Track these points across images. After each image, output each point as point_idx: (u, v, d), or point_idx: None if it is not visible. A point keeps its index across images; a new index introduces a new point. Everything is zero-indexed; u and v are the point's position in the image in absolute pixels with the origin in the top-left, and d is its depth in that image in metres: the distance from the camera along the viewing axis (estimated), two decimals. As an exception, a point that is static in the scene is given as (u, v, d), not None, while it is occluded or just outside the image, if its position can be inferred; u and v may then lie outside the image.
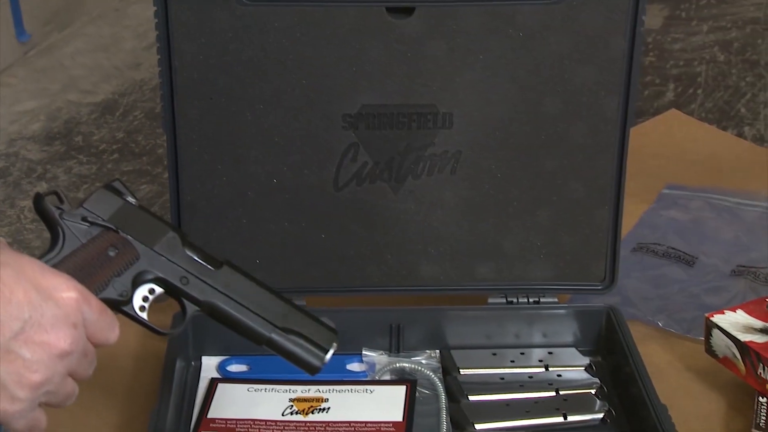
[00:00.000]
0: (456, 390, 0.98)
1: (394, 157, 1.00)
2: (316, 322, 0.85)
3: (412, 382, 0.98)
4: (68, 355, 0.71)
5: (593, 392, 0.97)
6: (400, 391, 0.97)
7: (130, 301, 0.80)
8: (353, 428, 0.93)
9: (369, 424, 0.93)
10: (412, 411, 0.94)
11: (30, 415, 0.72)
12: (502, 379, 0.99)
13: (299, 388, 0.97)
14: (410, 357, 1.02)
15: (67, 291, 0.72)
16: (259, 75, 0.96)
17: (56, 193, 0.79)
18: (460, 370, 1.00)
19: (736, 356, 0.97)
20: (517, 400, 0.97)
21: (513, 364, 1.01)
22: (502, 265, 1.03)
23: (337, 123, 0.98)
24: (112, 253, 0.79)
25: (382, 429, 0.92)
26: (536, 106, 0.99)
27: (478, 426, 0.94)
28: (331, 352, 0.85)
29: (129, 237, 0.80)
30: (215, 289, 0.82)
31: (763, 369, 0.94)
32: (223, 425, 0.93)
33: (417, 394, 0.97)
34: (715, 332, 0.98)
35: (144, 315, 0.81)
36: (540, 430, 0.94)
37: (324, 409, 0.95)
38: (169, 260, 0.81)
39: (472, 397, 0.97)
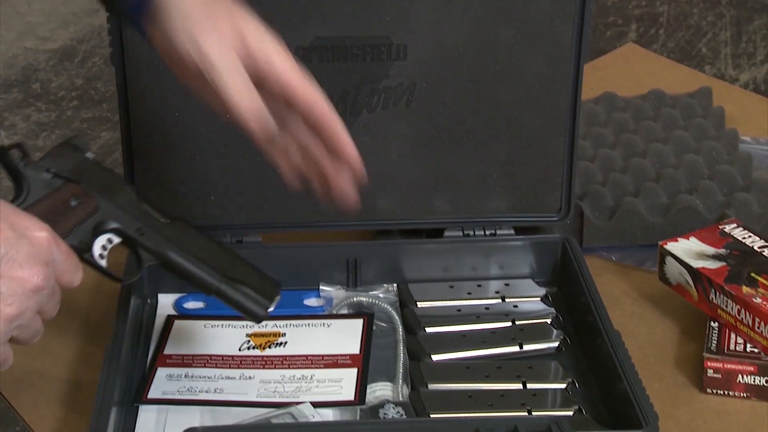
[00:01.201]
0: (413, 322, 0.98)
1: (349, 90, 0.99)
2: (261, 275, 0.88)
3: (369, 315, 0.98)
4: (40, 290, 0.75)
5: (549, 322, 0.98)
6: (357, 324, 0.97)
7: (90, 249, 0.85)
8: (310, 361, 0.93)
9: (326, 357, 0.93)
10: (369, 343, 0.95)
11: (0, 349, 0.76)
12: (459, 311, 1.00)
13: (254, 326, 0.97)
14: (367, 291, 1.02)
15: (39, 231, 0.76)
16: (208, 6, 0.95)
17: (20, 146, 0.83)
18: (418, 303, 1.00)
19: (688, 283, 0.98)
20: (473, 331, 0.97)
21: (470, 296, 1.01)
22: (459, 198, 1.03)
23: (290, 55, 0.97)
24: (74, 204, 0.84)
25: (339, 361, 0.92)
26: (491, 37, 0.98)
27: (434, 357, 0.94)
28: (275, 302, 0.88)
29: (89, 189, 0.84)
30: (169, 240, 0.86)
31: (715, 294, 0.95)
32: (180, 360, 0.93)
33: (375, 327, 0.97)
34: (669, 260, 0.99)
35: (103, 262, 0.85)
36: (496, 360, 0.94)
37: (281, 343, 0.95)
38: (127, 212, 0.85)
39: (429, 329, 0.97)
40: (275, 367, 0.92)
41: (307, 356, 0.94)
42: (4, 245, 0.73)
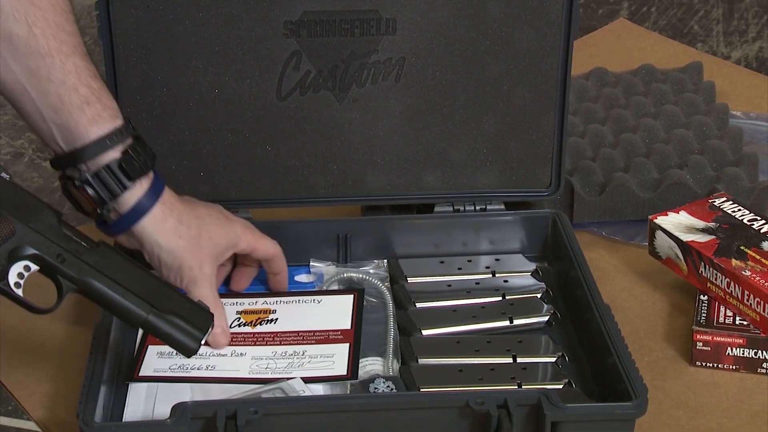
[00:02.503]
0: (404, 298, 0.98)
1: (338, 65, 0.99)
2: (192, 305, 0.85)
3: (359, 291, 0.98)
4: None
5: (539, 296, 0.98)
6: (348, 300, 0.97)
7: (4, 277, 0.79)
8: (302, 337, 0.93)
9: (318, 333, 0.93)
10: (360, 318, 0.95)
11: None
12: (450, 286, 1.00)
13: (246, 300, 0.97)
14: (358, 267, 1.02)
15: None
16: (196, -19, 0.95)
17: None
18: (408, 279, 1.00)
19: (678, 257, 0.98)
20: (463, 306, 0.97)
21: (460, 271, 1.01)
22: (449, 173, 1.03)
23: (278, 30, 0.97)
24: None
25: (330, 337, 0.92)
26: (480, 11, 0.98)
27: (425, 331, 0.94)
28: (207, 334, 0.85)
29: (4, 212, 0.78)
30: (92, 267, 0.80)
31: (705, 268, 0.95)
32: None
33: (365, 303, 0.97)
34: (659, 234, 0.99)
35: (19, 291, 0.80)
36: (486, 334, 0.94)
37: (272, 320, 0.95)
38: (45, 237, 0.79)
39: (419, 304, 0.97)
40: (267, 344, 0.92)
41: (298, 332, 0.93)
42: None
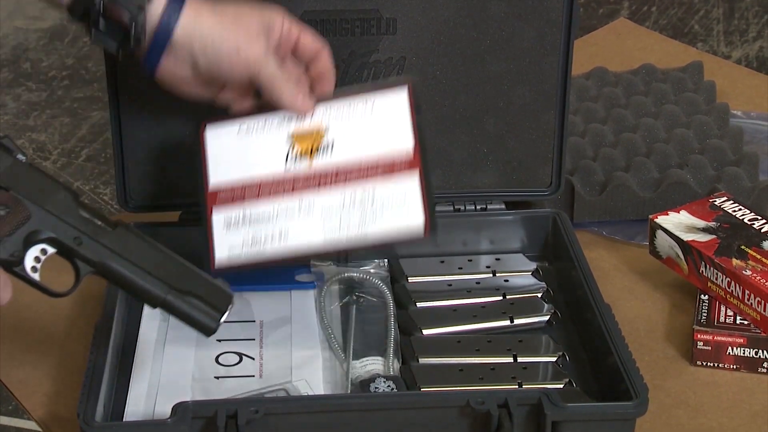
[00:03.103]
0: (404, 297, 0.98)
1: (338, 64, 0.99)
2: (211, 284, 0.83)
3: (412, 83, 0.89)
4: None
5: (539, 296, 0.98)
6: (401, 100, 0.88)
7: (21, 261, 0.78)
8: (366, 170, 0.86)
9: (381, 159, 0.86)
10: (421, 123, 0.87)
11: None
12: (450, 285, 1.00)
13: (294, 117, 0.88)
14: (359, 267, 1.02)
15: None
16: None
17: None
18: (409, 278, 1.00)
19: (679, 256, 0.98)
20: (464, 306, 0.97)
21: (461, 270, 1.02)
22: (449, 172, 1.03)
23: (279, 30, 0.97)
24: (2, 212, 0.77)
25: (396, 164, 0.85)
26: (480, 10, 0.98)
27: (425, 331, 0.94)
28: (226, 314, 0.83)
29: (20, 196, 0.77)
30: (109, 249, 0.80)
31: (705, 267, 0.95)
32: (230, 194, 0.87)
33: (365, 302, 0.97)
34: (659, 233, 0.99)
35: (36, 276, 0.79)
36: (487, 334, 0.94)
37: (328, 146, 0.87)
38: (62, 220, 0.79)
39: (420, 304, 0.98)
40: (331, 184, 0.86)
41: (360, 164, 0.86)
42: None
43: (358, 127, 0.88)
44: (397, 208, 0.83)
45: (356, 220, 0.84)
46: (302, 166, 0.87)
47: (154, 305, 0.82)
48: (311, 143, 0.88)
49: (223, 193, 0.88)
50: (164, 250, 0.82)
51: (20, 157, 0.78)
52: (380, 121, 0.88)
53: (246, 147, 0.89)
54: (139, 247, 0.81)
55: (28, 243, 0.78)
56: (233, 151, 0.89)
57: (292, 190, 0.86)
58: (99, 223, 0.80)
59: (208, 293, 0.82)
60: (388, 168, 0.85)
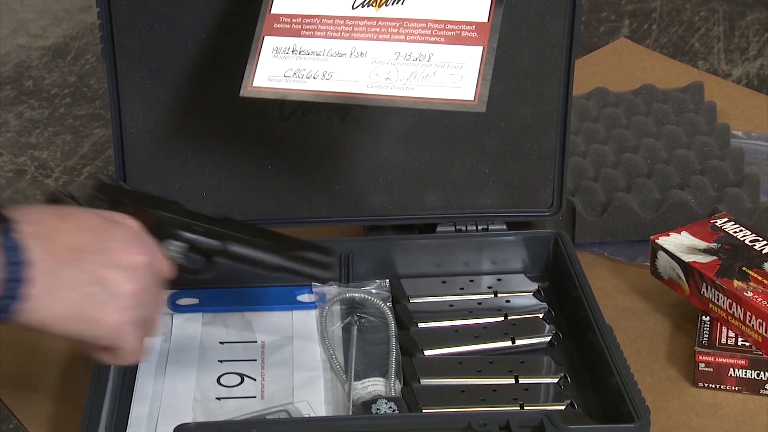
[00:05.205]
0: (406, 318, 0.98)
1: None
2: (311, 243, 0.93)
3: None
4: (148, 266, 0.77)
5: (541, 316, 0.98)
6: None
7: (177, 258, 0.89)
8: (430, 30, 0.83)
9: (449, 25, 0.83)
10: (497, 13, 0.83)
11: (136, 334, 0.76)
12: (452, 306, 1.00)
13: None
14: (360, 287, 1.02)
15: (127, 219, 0.79)
16: (200, 1, 0.95)
17: (69, 194, 0.86)
18: (410, 299, 1.01)
19: (680, 277, 0.98)
20: (466, 326, 0.97)
21: (462, 291, 1.02)
22: (451, 193, 1.03)
23: (281, 51, 0.97)
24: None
25: (463, 33, 0.83)
26: (482, 32, 0.98)
27: (427, 352, 0.94)
28: (333, 260, 0.93)
29: (146, 207, 0.88)
30: (228, 234, 0.90)
31: (707, 288, 0.95)
32: (288, 25, 0.85)
33: (367, 323, 0.98)
34: (660, 254, 0.99)
35: (176, 261, 0.88)
36: (489, 354, 0.94)
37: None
38: (185, 220, 0.89)
39: (421, 324, 0.98)
40: (390, 38, 0.84)
41: (427, 23, 0.83)
42: (104, 233, 0.75)
43: None
44: (451, 76, 0.80)
45: (405, 75, 0.81)
46: (367, 13, 0.84)
47: (273, 271, 0.91)
48: None
49: (281, 20, 0.86)
50: (264, 228, 0.93)
51: (123, 184, 0.91)
52: None
53: None
54: (247, 228, 0.91)
55: (166, 239, 0.87)
56: None
57: (351, 33, 0.84)
58: (210, 217, 0.90)
59: (313, 249, 0.92)
60: (454, 36, 0.82)
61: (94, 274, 0.73)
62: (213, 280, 0.98)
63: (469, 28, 0.83)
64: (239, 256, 0.91)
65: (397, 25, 0.84)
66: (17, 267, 0.69)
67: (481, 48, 0.82)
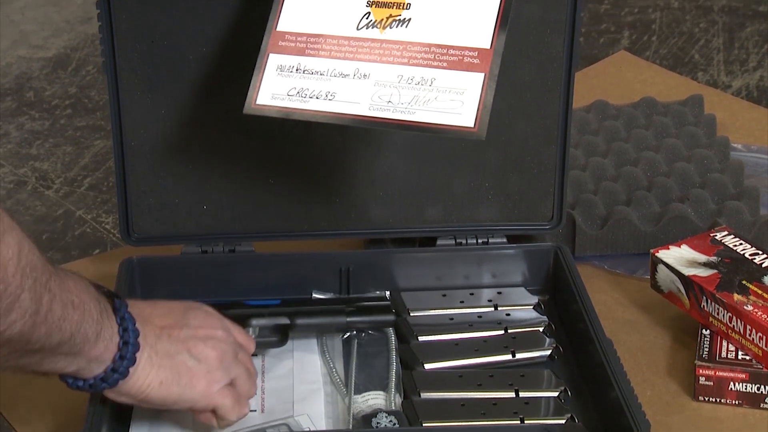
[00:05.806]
0: (406, 331, 0.98)
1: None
2: (365, 297, 1.00)
3: None
4: (226, 335, 0.86)
5: (541, 330, 0.98)
6: (493, 2, 0.84)
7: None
8: (433, 55, 0.83)
9: (452, 50, 0.83)
10: (505, 25, 0.83)
11: (229, 394, 0.84)
12: (452, 319, 1.00)
13: None
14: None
15: (204, 305, 0.89)
16: (201, 15, 0.95)
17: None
18: (410, 312, 1.01)
19: (680, 290, 0.98)
20: (466, 340, 0.97)
21: (462, 304, 1.02)
22: (451, 206, 1.03)
23: (282, 64, 0.97)
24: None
25: (465, 59, 0.83)
26: (482, 46, 0.98)
27: (427, 365, 0.94)
28: (389, 303, 0.99)
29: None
30: (294, 311, 0.97)
31: (707, 302, 0.95)
32: (293, 42, 0.86)
33: (366, 336, 0.98)
34: (660, 267, 0.99)
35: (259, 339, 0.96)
36: (489, 368, 0.94)
37: (405, 20, 0.85)
38: (258, 307, 0.97)
39: (421, 338, 0.98)
40: (393, 60, 0.84)
41: (430, 46, 0.84)
42: (187, 314, 0.85)
43: (440, 12, 0.85)
44: (452, 102, 0.81)
45: (407, 99, 0.81)
46: (371, 34, 0.85)
47: (340, 331, 0.97)
48: (388, 15, 0.85)
49: (287, 38, 0.87)
50: (320, 294, 1.01)
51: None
52: (465, 14, 0.85)
53: (324, 3, 0.87)
54: (306, 301, 0.99)
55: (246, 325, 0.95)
56: (310, 4, 0.88)
57: (355, 54, 0.85)
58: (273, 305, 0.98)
59: (368, 299, 0.99)
60: (456, 62, 0.82)
61: (182, 344, 0.83)
62: (212, 294, 0.99)
63: (471, 54, 0.83)
64: (309, 327, 0.97)
65: (401, 48, 0.85)
66: (129, 348, 0.79)
67: (482, 75, 0.82)
